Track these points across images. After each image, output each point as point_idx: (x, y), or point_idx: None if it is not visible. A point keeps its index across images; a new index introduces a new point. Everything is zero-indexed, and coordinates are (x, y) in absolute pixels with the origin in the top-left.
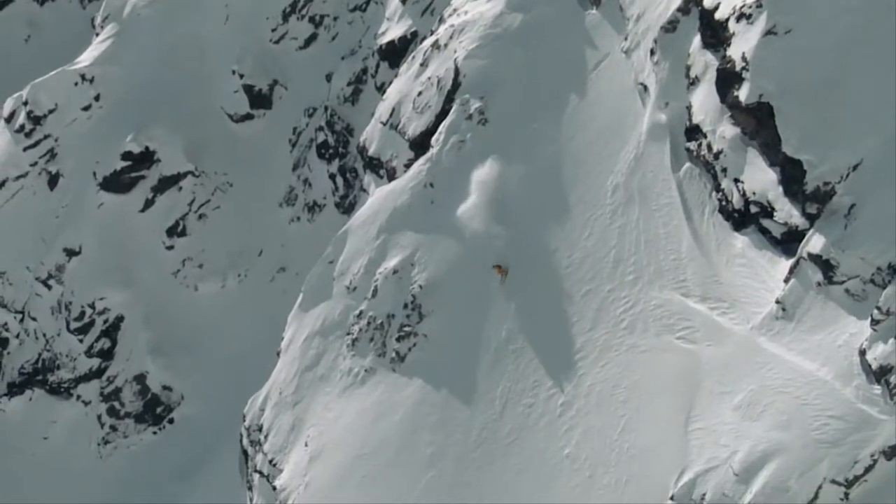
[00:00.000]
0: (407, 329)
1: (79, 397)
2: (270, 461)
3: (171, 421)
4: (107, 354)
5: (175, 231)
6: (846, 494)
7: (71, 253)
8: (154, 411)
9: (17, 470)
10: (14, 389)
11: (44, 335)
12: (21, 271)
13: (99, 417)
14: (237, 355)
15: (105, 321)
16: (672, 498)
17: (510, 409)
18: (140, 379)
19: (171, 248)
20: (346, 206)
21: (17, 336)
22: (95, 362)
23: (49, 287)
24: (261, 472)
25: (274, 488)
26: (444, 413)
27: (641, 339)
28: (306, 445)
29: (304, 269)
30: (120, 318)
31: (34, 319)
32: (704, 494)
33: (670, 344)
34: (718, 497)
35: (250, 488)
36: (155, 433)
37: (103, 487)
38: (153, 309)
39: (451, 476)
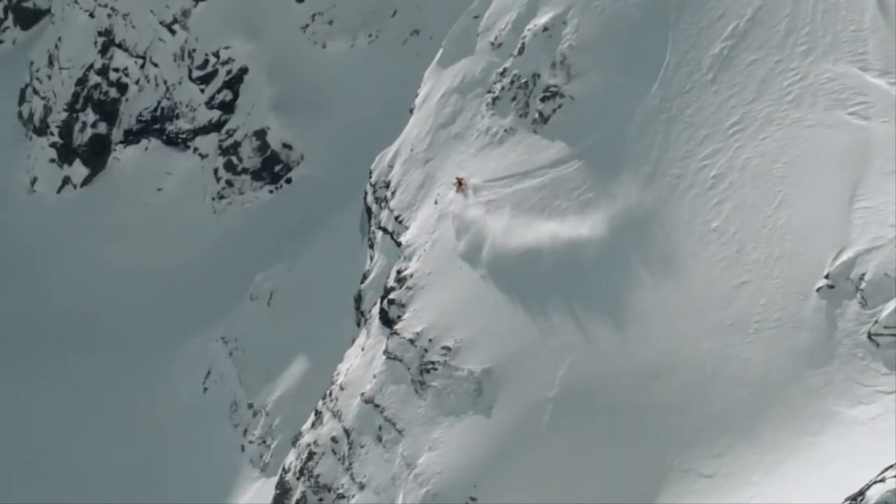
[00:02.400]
0: (553, 89)
1: (196, 149)
2: (396, 218)
3: (288, 181)
4: (228, 107)
5: None
6: None
7: None
8: (272, 169)
9: (128, 219)
10: (130, 138)
11: (164, 82)
12: (145, 14)
13: (215, 171)
14: (362, 118)
15: (228, 72)
16: (827, 276)
17: (657, 179)
18: (260, 135)
19: (301, 0)
20: None
21: (137, 82)
22: (215, 114)
23: (173, 32)
24: (384, 229)
25: (398, 244)
26: (587, 178)
27: (808, 113)
28: (436, 203)
29: (439, 33)
30: (244, 70)
31: (156, 65)
32: (864, 274)
33: (840, 119)
34: (879, 277)
35: (371, 245)
36: (271, 192)
37: (215, 241)
38: (278, 63)
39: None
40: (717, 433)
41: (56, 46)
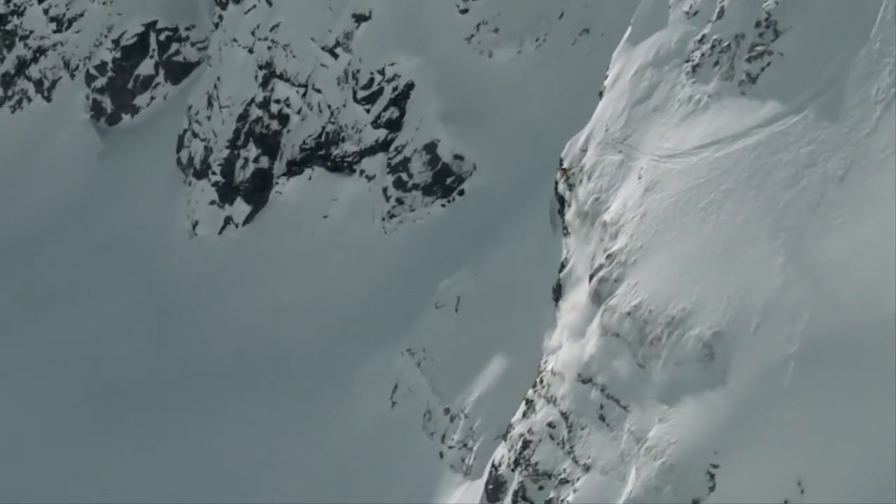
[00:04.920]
0: (759, 48)
1: (362, 172)
2: (596, 199)
3: (461, 193)
4: (394, 125)
5: None
6: None
7: (360, 18)
8: (444, 182)
9: (295, 250)
10: (293, 168)
11: (328, 107)
12: (305, 42)
13: (384, 191)
14: (534, 121)
15: (394, 89)
16: None
17: (886, 121)
18: (430, 148)
19: (464, 11)
20: None
21: (299, 111)
22: (382, 133)
23: (336, 56)
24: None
25: (604, 223)
26: (807, 132)
27: None
28: (640, 178)
29: (610, 30)
30: (410, 86)
31: (318, 91)
32: None
33: None
34: None
35: (567, 234)
36: (444, 205)
37: (388, 260)
38: (445, 76)
39: (816, 195)
40: None
41: (215, 87)
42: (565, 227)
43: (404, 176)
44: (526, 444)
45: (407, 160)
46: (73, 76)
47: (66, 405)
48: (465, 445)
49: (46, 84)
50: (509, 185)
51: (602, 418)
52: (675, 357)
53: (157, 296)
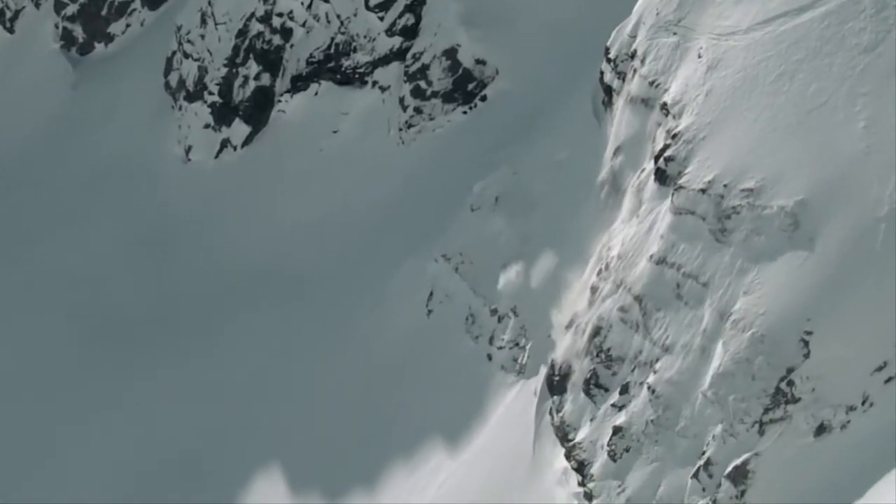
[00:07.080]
0: None
1: (375, 83)
2: (651, 83)
3: (483, 98)
4: (410, 32)
5: None
6: None
7: None
8: (465, 89)
9: (303, 168)
10: (298, 84)
11: (337, 17)
12: None
13: (401, 100)
14: (556, 24)
15: None
16: None
17: None
18: (450, 53)
19: None
20: None
21: (304, 24)
22: (397, 42)
23: None
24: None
25: (664, 105)
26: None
27: None
28: (700, 57)
29: None
30: None
31: (326, 1)
32: None
33: None
34: None
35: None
36: (465, 112)
37: (408, 171)
38: None
39: (893, 59)
40: None
41: (210, 3)
42: (612, 117)
43: (423, 84)
44: (596, 332)
45: (425, 67)
46: (38, 6)
47: (61, 341)
48: (517, 344)
49: (9, 14)
50: (533, 87)
51: (679, 297)
52: (756, 229)
53: (153, 224)
